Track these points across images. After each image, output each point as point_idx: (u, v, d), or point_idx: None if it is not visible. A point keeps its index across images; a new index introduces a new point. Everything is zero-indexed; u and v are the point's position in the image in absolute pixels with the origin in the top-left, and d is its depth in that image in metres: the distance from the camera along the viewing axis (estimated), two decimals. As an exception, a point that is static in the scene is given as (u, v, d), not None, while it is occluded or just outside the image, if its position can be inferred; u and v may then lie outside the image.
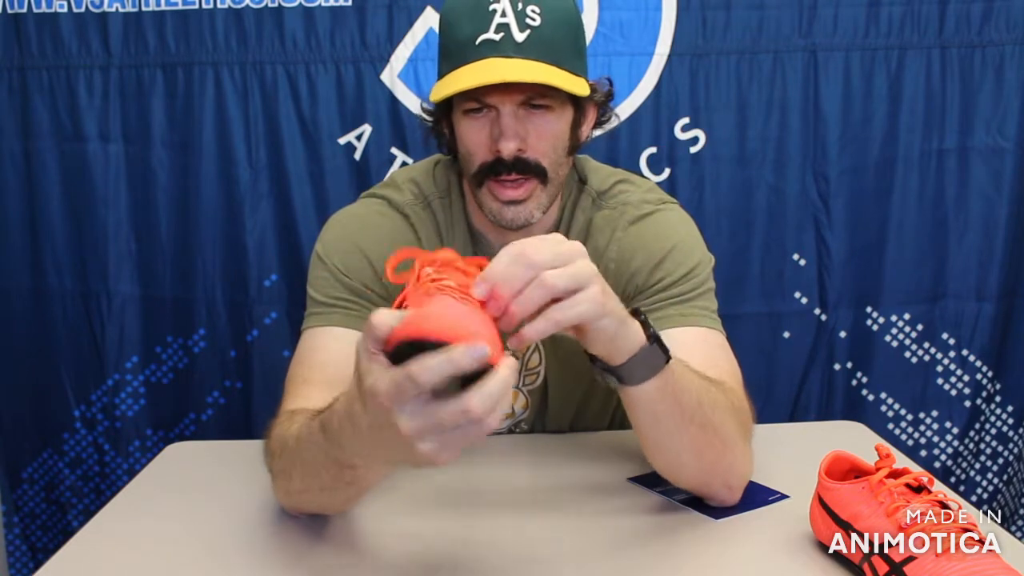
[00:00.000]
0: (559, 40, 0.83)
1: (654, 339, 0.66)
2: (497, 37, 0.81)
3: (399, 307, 0.54)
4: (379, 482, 0.69)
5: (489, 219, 0.91)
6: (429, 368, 0.47)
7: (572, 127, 0.90)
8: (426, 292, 0.54)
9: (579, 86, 0.86)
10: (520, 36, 0.81)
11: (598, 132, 1.00)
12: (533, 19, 0.81)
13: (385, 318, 0.50)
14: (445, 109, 0.90)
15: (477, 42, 0.81)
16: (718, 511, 0.81)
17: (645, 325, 0.66)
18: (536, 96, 0.83)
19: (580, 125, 0.92)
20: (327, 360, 0.86)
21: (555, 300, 0.57)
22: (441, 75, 0.86)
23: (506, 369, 0.49)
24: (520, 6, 0.81)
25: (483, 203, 0.89)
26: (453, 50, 0.84)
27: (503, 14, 0.81)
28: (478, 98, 0.84)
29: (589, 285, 0.58)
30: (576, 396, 1.03)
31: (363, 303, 0.90)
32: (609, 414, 1.08)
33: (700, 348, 0.86)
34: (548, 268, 0.56)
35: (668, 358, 0.67)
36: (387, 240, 0.92)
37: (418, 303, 0.53)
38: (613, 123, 1.04)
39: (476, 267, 0.58)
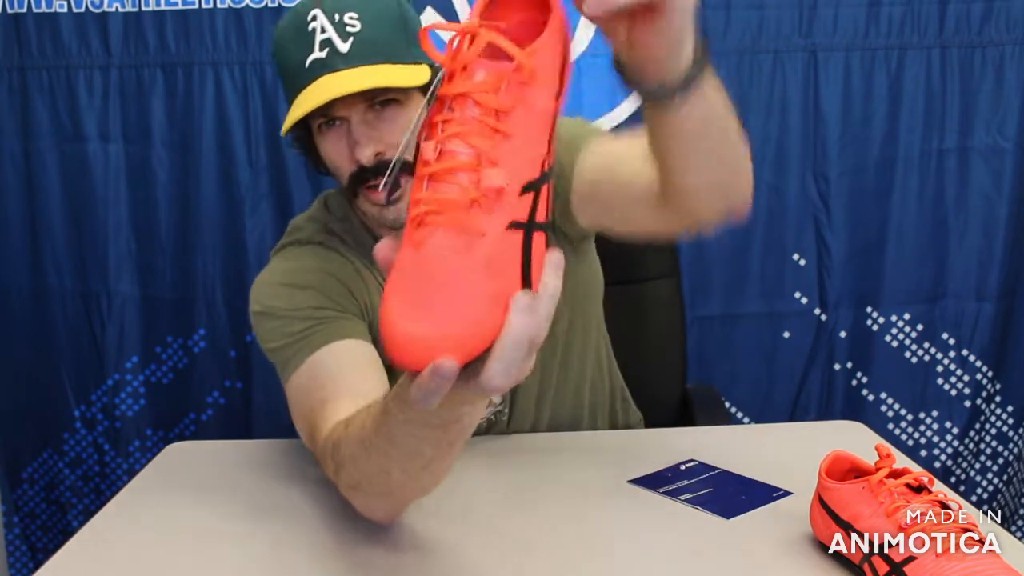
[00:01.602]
0: (384, 37, 0.84)
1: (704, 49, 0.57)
2: (323, 54, 0.82)
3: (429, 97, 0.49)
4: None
5: (374, 224, 0.93)
6: (421, 390, 0.45)
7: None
8: (414, 241, 0.46)
9: (414, 75, 0.84)
10: (344, 46, 0.82)
11: None
12: (352, 26, 0.82)
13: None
14: (307, 131, 0.91)
15: (307, 64, 0.83)
16: (728, 510, 0.81)
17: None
18: (379, 95, 0.84)
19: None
20: (333, 374, 0.83)
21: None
22: (288, 102, 0.88)
23: (513, 325, 0.45)
24: (336, 17, 0.82)
25: (364, 211, 0.91)
26: (290, 77, 0.86)
27: (323, 30, 0.82)
28: (326, 113, 0.85)
29: None
30: (543, 391, 1.03)
31: (327, 321, 0.88)
32: (584, 407, 1.07)
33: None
34: None
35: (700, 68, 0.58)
36: (313, 269, 0.92)
37: (410, 248, 0.46)
38: None
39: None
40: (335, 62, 0.82)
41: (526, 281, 0.46)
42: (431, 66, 0.87)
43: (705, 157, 0.71)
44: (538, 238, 0.46)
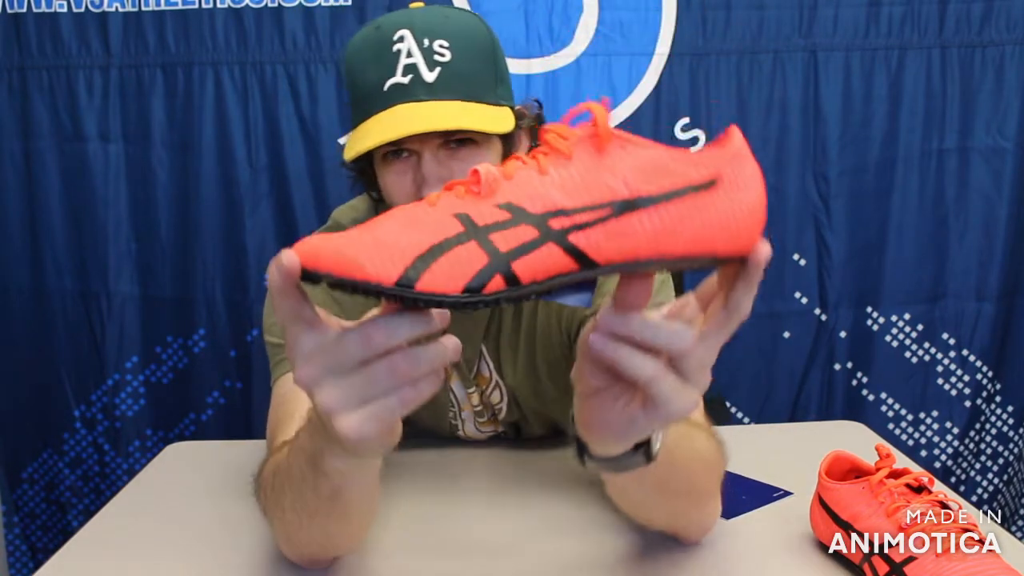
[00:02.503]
0: (473, 72, 0.78)
1: (641, 446, 0.54)
2: (406, 80, 0.76)
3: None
4: (363, 497, 0.61)
5: None
6: (280, 309, 0.42)
7: (504, 155, 0.84)
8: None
9: (499, 121, 0.80)
10: (430, 76, 0.76)
11: None
12: (442, 54, 0.76)
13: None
14: (367, 153, 0.83)
15: (385, 88, 0.77)
16: (728, 510, 0.80)
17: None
18: (457, 133, 0.78)
19: (513, 151, 0.86)
20: None
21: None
22: (354, 123, 0.81)
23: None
24: (426, 42, 0.76)
25: None
26: (361, 98, 0.79)
27: (409, 54, 0.76)
28: (396, 142, 0.78)
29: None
30: (549, 416, 1.00)
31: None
32: None
33: None
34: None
35: (650, 461, 0.54)
36: None
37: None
38: None
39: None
40: (417, 91, 0.76)
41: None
42: (513, 109, 0.83)
43: (654, 512, 0.69)
44: (469, 248, 0.41)
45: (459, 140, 0.79)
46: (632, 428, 0.48)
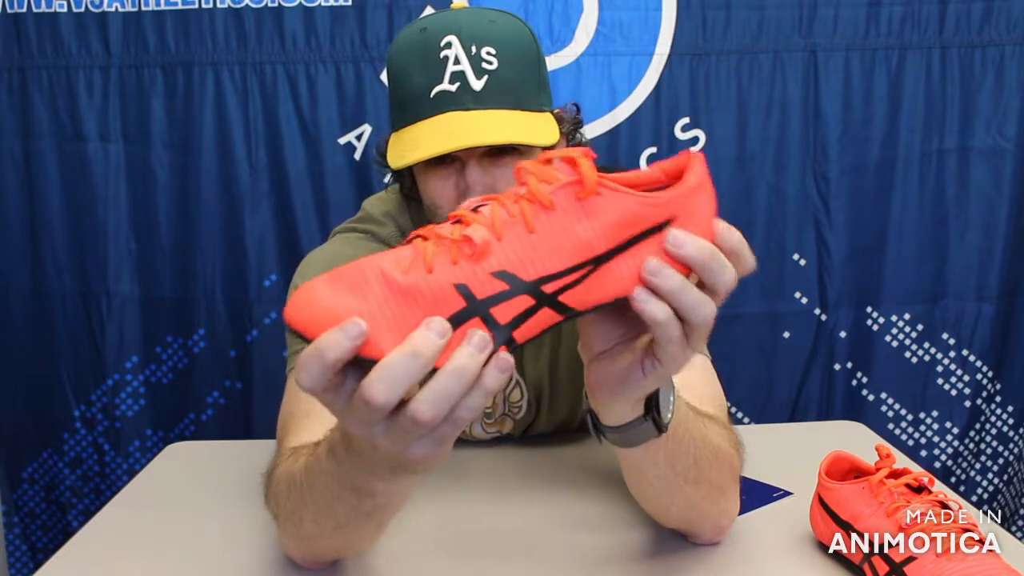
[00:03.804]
0: (520, 80, 0.78)
1: (650, 413, 0.57)
2: (453, 88, 0.75)
3: None
4: (400, 506, 0.60)
5: None
6: (308, 370, 0.41)
7: None
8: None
9: (545, 131, 0.80)
10: (478, 84, 0.76)
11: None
12: (489, 62, 0.76)
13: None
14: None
15: (432, 95, 0.76)
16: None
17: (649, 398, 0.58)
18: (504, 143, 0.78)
19: None
20: None
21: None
22: (396, 126, 0.82)
23: (459, 359, 0.41)
24: (474, 49, 0.76)
25: None
26: (407, 102, 0.79)
27: (456, 61, 0.76)
28: None
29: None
30: (569, 412, 1.01)
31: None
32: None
33: (686, 374, 0.82)
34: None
35: (661, 431, 0.58)
36: None
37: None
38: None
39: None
40: (464, 100, 0.76)
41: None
42: (553, 113, 0.83)
43: (667, 499, 0.70)
44: (473, 324, 0.43)
45: (502, 149, 0.79)
46: (631, 379, 0.51)
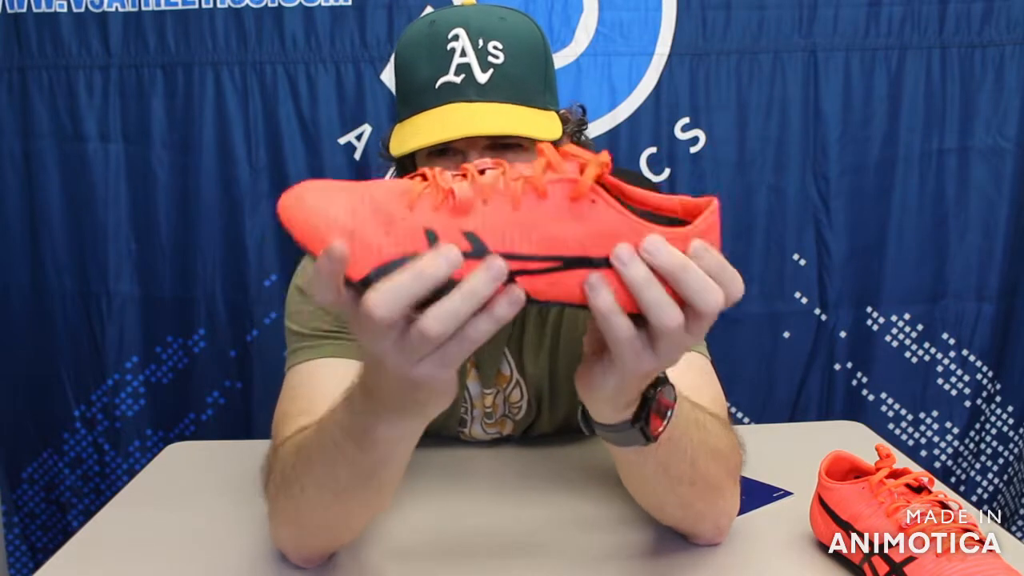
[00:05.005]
0: (525, 76, 0.79)
1: (638, 422, 0.57)
2: (458, 79, 0.76)
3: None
4: (398, 470, 0.62)
5: None
6: (316, 287, 0.43)
7: None
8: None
9: (548, 127, 0.80)
10: (483, 77, 0.76)
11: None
12: (496, 56, 0.76)
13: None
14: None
15: (437, 85, 0.77)
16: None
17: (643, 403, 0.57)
18: (504, 137, 0.78)
19: None
20: (327, 392, 0.77)
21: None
22: (400, 117, 0.82)
23: (473, 281, 0.43)
24: (481, 43, 0.76)
25: None
26: (411, 93, 0.79)
27: (463, 53, 0.76)
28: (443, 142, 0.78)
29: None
30: (567, 414, 1.01)
31: (352, 336, 0.86)
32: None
33: (684, 376, 0.82)
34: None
35: (649, 442, 0.58)
36: None
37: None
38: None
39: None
40: (468, 92, 0.76)
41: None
42: (559, 113, 0.83)
43: (663, 498, 0.70)
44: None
45: (505, 144, 0.79)
46: (592, 376, 0.51)
